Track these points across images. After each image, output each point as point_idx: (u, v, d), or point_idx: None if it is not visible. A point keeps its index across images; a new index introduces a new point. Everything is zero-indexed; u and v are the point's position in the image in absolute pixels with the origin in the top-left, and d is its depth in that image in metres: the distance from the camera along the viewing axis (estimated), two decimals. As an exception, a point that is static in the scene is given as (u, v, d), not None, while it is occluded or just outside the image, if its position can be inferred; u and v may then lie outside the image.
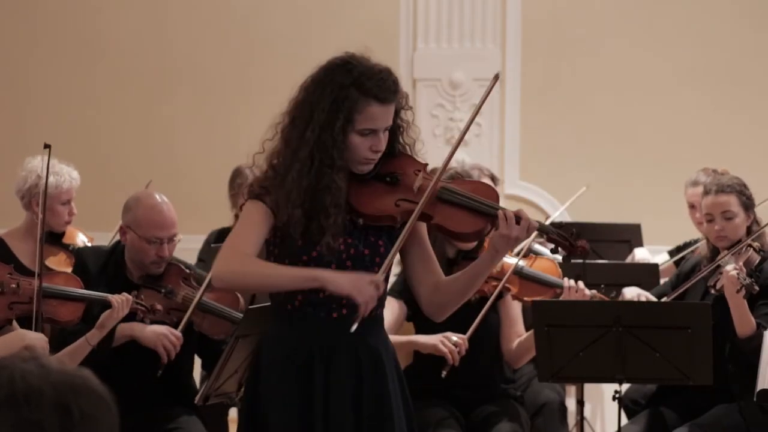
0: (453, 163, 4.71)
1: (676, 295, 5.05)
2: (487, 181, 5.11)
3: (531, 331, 4.90)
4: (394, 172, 3.35)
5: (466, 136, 7.45)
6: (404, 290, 4.72)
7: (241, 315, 4.61)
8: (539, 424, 5.21)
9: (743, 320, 4.65)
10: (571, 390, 6.33)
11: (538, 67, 7.59)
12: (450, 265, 4.80)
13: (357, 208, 3.30)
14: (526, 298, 4.99)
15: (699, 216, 5.45)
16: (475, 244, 4.84)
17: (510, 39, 7.61)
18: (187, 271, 4.69)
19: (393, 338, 3.66)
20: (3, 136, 7.76)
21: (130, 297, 4.43)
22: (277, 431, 3.32)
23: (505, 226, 3.25)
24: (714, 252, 5.10)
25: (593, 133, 7.59)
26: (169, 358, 4.49)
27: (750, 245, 4.84)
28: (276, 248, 3.33)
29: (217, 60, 7.75)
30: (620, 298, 5.25)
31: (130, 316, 4.46)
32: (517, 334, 5.08)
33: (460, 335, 4.77)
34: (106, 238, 5.44)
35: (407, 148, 3.41)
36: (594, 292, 5.03)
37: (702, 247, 5.31)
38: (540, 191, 7.58)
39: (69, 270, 4.78)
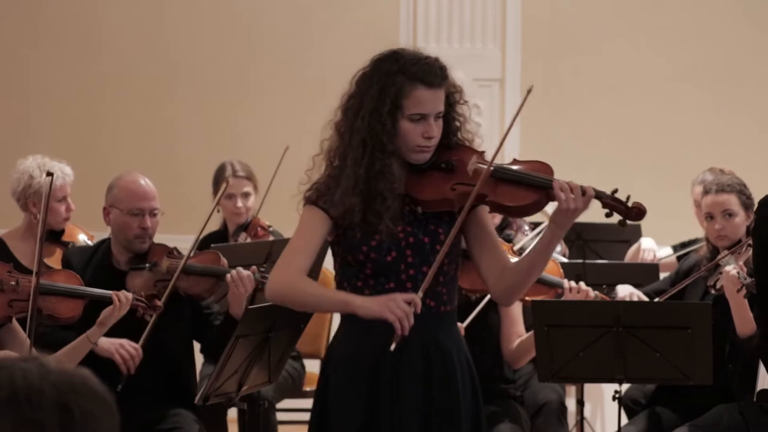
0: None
1: (673, 293, 5.05)
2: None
3: (531, 332, 4.90)
4: (449, 160, 3.37)
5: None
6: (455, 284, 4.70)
7: (223, 269, 4.66)
8: (539, 424, 5.21)
9: (744, 320, 4.65)
10: (571, 390, 6.32)
11: (538, 67, 7.59)
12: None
13: (415, 196, 3.33)
14: (527, 298, 4.98)
15: None
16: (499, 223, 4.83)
17: (510, 39, 7.61)
18: (171, 247, 4.74)
19: None
20: (3, 136, 7.75)
21: (129, 296, 4.44)
22: (341, 430, 3.33)
23: (562, 198, 3.26)
24: (714, 252, 5.10)
25: (593, 133, 7.59)
26: (129, 370, 4.47)
27: (750, 245, 4.83)
28: (339, 246, 3.36)
29: (217, 60, 7.74)
30: (612, 296, 5.24)
31: (131, 313, 4.46)
32: (518, 334, 5.07)
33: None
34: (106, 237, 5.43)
35: (466, 143, 3.43)
36: (596, 293, 5.03)
37: (702, 247, 5.31)
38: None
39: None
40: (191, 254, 4.66)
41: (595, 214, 7.02)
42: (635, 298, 5.32)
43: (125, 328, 4.48)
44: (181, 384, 4.73)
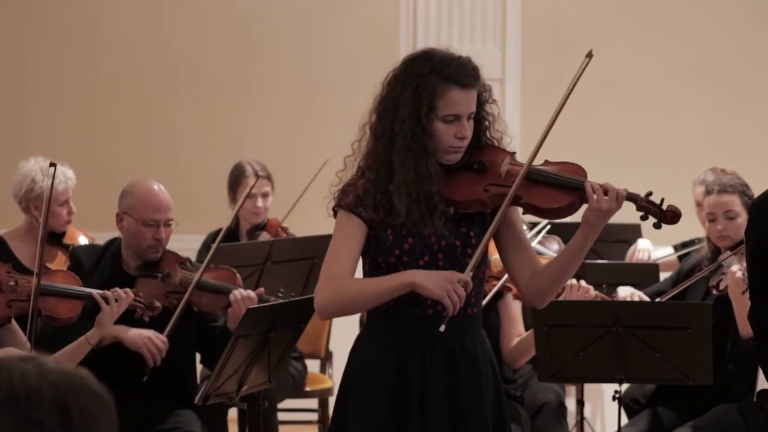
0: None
1: (674, 293, 5.04)
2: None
3: (530, 331, 4.90)
4: (481, 161, 3.36)
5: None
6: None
7: (238, 288, 4.64)
8: (539, 424, 5.21)
9: (747, 321, 4.64)
10: (571, 390, 6.32)
11: (538, 68, 7.59)
12: None
13: (447, 197, 3.31)
14: (528, 298, 4.98)
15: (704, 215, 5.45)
16: None
17: (510, 39, 7.61)
18: (183, 257, 4.72)
19: None
20: (3, 136, 7.75)
21: (130, 293, 4.43)
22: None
23: (594, 200, 3.25)
24: (715, 252, 5.10)
25: (593, 133, 7.59)
26: (155, 363, 4.48)
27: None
28: (369, 248, 3.33)
29: (217, 60, 7.74)
30: (613, 296, 5.24)
31: (129, 314, 4.46)
32: (517, 333, 5.07)
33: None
34: (107, 239, 5.43)
35: (495, 142, 3.42)
36: (597, 292, 5.03)
37: (703, 247, 5.30)
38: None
39: (66, 270, 4.79)
40: (206, 268, 4.62)
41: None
42: (636, 299, 5.32)
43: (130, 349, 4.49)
44: (182, 384, 4.73)
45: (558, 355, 4.62)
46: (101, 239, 5.44)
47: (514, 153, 3.42)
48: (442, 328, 3.18)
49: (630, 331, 4.54)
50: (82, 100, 7.78)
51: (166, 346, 4.49)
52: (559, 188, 3.34)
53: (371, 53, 7.39)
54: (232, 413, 5.40)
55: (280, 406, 5.93)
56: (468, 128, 3.31)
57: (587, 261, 5.64)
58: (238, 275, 4.74)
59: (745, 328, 4.66)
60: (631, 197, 3.35)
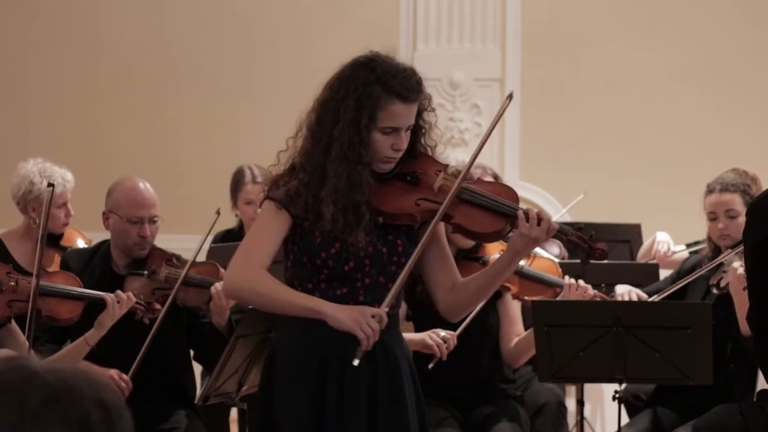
0: (453, 163, 4.71)
1: (673, 290, 5.04)
2: (489, 180, 5.11)
3: (529, 331, 4.90)
4: (414, 172, 3.36)
5: (466, 137, 7.54)
6: (403, 290, 4.71)
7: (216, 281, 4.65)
8: (539, 424, 5.21)
9: (748, 318, 4.64)
10: (571, 390, 6.32)
11: (538, 67, 7.59)
12: None
13: (377, 207, 3.31)
14: (526, 297, 4.99)
15: None
16: (474, 243, 4.83)
17: (510, 39, 7.61)
18: (170, 254, 4.72)
19: None
20: (3, 136, 7.75)
21: (132, 296, 4.44)
22: (289, 430, 3.31)
23: (525, 227, 3.25)
24: (715, 251, 5.10)
25: (593, 134, 7.59)
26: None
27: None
28: (295, 245, 3.34)
29: (217, 60, 7.74)
30: (612, 296, 5.23)
31: (130, 315, 4.47)
32: (516, 333, 5.07)
33: (449, 331, 4.73)
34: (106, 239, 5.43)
35: (428, 149, 3.42)
36: (595, 291, 5.03)
37: (704, 247, 5.30)
38: (540, 192, 7.57)
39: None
40: (191, 265, 4.62)
41: (595, 214, 7.02)
42: (634, 296, 5.31)
43: (124, 330, 4.48)
44: (181, 385, 4.73)
45: (558, 355, 4.62)
46: (98, 240, 5.44)
47: (447, 165, 3.42)
48: (356, 362, 3.18)
49: (630, 331, 4.54)
50: (81, 100, 7.78)
51: (128, 386, 4.39)
52: (490, 212, 3.33)
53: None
54: (232, 413, 5.40)
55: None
56: (405, 140, 3.30)
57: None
58: (221, 269, 4.74)
59: (746, 326, 4.66)
60: (562, 231, 3.36)
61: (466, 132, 7.55)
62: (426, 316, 4.75)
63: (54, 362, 1.63)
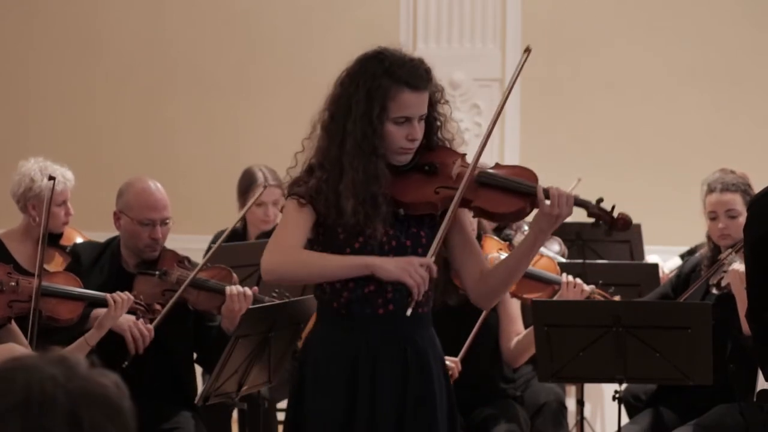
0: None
1: (682, 299, 5.03)
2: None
3: (529, 330, 4.90)
4: (432, 162, 3.37)
5: (466, 137, 7.54)
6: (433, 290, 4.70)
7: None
8: (539, 424, 5.21)
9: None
10: (571, 390, 6.32)
11: (538, 67, 7.58)
12: None
13: (397, 198, 3.32)
14: (524, 296, 4.98)
15: None
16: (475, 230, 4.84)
17: (510, 39, 7.61)
18: (182, 256, 4.72)
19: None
20: (3, 136, 7.75)
21: (131, 297, 4.44)
22: (319, 430, 3.32)
23: (547, 205, 3.26)
24: (715, 251, 5.10)
25: (593, 134, 7.59)
26: (137, 350, 4.46)
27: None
28: (319, 246, 3.35)
29: (217, 60, 7.74)
30: (610, 294, 5.21)
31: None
32: (516, 332, 5.07)
33: (452, 358, 4.64)
34: (105, 239, 5.43)
35: (446, 143, 3.43)
36: (593, 287, 5.03)
37: (704, 247, 5.30)
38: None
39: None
40: (202, 267, 4.62)
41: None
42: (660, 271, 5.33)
43: (115, 334, 4.48)
44: (183, 385, 4.73)
45: (558, 355, 4.61)
46: (100, 240, 5.44)
47: (464, 155, 3.43)
48: (409, 311, 3.20)
49: (630, 331, 4.54)
50: (81, 100, 7.78)
51: (151, 334, 4.46)
52: (509, 193, 3.34)
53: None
54: (234, 413, 5.41)
55: (280, 406, 5.93)
56: (419, 130, 3.32)
57: (587, 261, 5.65)
58: (234, 274, 4.73)
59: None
60: (583, 203, 3.37)
61: (466, 132, 7.54)
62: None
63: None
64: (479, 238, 4.96)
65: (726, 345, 4.83)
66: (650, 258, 6.27)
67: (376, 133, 3.28)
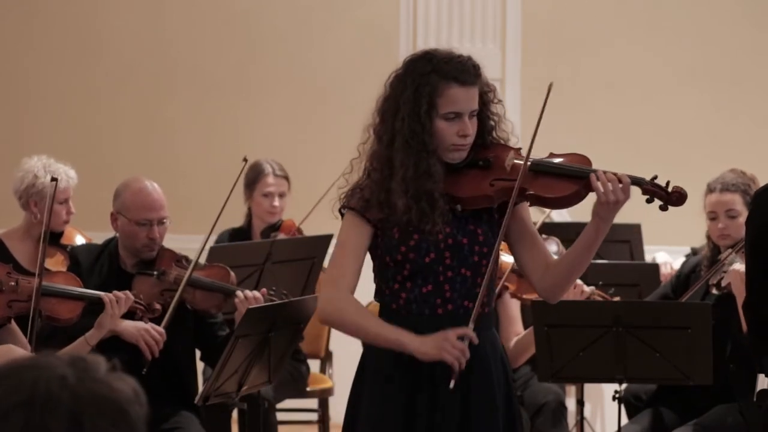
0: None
1: (689, 295, 5.03)
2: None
3: (528, 330, 4.90)
4: (486, 157, 3.37)
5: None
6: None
7: (231, 287, 4.63)
8: (539, 424, 5.21)
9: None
10: (571, 390, 6.32)
11: (538, 68, 7.58)
12: None
13: (453, 194, 3.31)
14: (525, 296, 4.98)
15: None
16: None
17: (510, 39, 7.61)
18: (180, 255, 4.71)
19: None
20: (3, 136, 7.75)
21: (130, 296, 4.44)
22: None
23: (602, 192, 3.25)
24: (715, 251, 5.10)
25: (593, 133, 7.59)
26: (153, 354, 4.47)
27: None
28: (378, 249, 3.34)
29: (217, 60, 7.74)
30: (610, 294, 5.21)
31: (129, 315, 4.47)
32: (516, 333, 5.07)
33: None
34: (104, 239, 5.43)
35: (501, 141, 3.43)
36: (592, 288, 5.03)
37: (703, 247, 5.30)
38: (540, 191, 7.57)
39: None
40: (196, 265, 4.61)
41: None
42: (669, 268, 5.30)
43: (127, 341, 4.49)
44: (183, 385, 4.73)
45: (558, 355, 4.62)
46: (100, 239, 5.44)
47: (519, 149, 3.43)
48: (452, 385, 3.18)
49: (630, 331, 4.54)
50: (81, 99, 7.78)
51: (163, 337, 4.48)
52: (564, 177, 3.34)
53: (371, 53, 7.38)
54: (234, 414, 5.41)
55: (280, 406, 5.93)
56: (470, 126, 3.30)
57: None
58: (231, 273, 4.73)
59: (748, 324, 4.66)
60: (637, 181, 3.36)
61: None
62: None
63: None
64: None
65: (726, 345, 4.83)
66: (659, 256, 6.26)
67: (426, 130, 3.26)
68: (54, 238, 5.32)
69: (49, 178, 4.93)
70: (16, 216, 5.38)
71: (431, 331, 3.24)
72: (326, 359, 6.50)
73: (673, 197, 3.37)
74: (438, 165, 3.29)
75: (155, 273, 4.61)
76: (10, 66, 7.84)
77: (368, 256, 3.39)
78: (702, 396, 4.87)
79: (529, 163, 3.33)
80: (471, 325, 3.21)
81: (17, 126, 7.78)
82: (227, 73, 7.73)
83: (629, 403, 5.29)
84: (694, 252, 6.11)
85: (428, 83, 3.27)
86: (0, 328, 4.29)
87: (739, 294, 4.67)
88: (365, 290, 3.49)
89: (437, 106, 3.27)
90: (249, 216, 6.20)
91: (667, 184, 3.38)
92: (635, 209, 7.19)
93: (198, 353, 4.89)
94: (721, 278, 4.79)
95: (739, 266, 4.66)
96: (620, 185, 3.28)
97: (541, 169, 3.35)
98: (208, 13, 7.76)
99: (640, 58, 7.57)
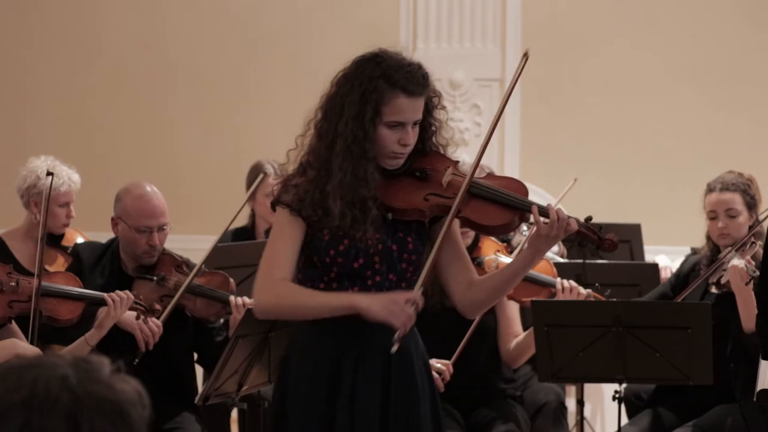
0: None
1: (680, 299, 5.04)
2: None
3: (528, 331, 4.90)
4: (424, 168, 3.34)
5: (466, 137, 7.54)
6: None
7: (229, 295, 4.63)
8: (539, 425, 5.20)
9: (750, 314, 4.63)
10: (571, 390, 6.32)
11: (538, 68, 7.58)
12: None
13: (386, 202, 3.29)
14: (522, 299, 4.98)
15: None
16: (469, 243, 4.83)
17: (510, 39, 7.61)
18: (180, 260, 4.70)
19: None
20: (3, 136, 7.75)
21: (130, 295, 4.43)
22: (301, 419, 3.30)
23: (545, 226, 3.23)
24: (714, 251, 5.10)
25: (593, 134, 7.59)
26: (147, 346, 4.47)
27: (755, 242, 4.82)
28: (306, 246, 3.31)
29: (217, 60, 7.75)
30: (607, 296, 5.21)
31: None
32: (514, 334, 5.07)
33: (443, 361, 4.62)
34: (104, 240, 5.43)
35: (440, 148, 3.39)
36: (589, 291, 5.03)
37: (702, 246, 5.30)
38: (540, 191, 7.57)
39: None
40: (197, 272, 4.60)
41: (595, 214, 6.99)
42: (669, 272, 5.31)
43: (123, 332, 4.48)
44: (183, 385, 4.73)
45: (558, 355, 4.62)
46: (100, 240, 5.45)
47: (457, 162, 3.39)
48: (394, 348, 3.16)
49: (630, 331, 4.54)
50: (81, 100, 7.78)
51: (160, 330, 4.47)
52: (499, 205, 3.31)
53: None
54: (232, 413, 5.40)
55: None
56: (412, 135, 3.27)
57: (587, 261, 5.64)
58: (231, 281, 4.72)
59: (748, 323, 4.66)
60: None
61: (466, 132, 7.55)
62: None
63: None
64: (477, 239, 4.96)
65: (726, 345, 4.83)
66: (659, 260, 6.26)
67: (368, 137, 3.23)
68: (55, 240, 5.31)
69: (50, 178, 4.93)
70: (16, 216, 5.38)
71: (354, 333, 3.24)
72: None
73: (605, 244, 3.33)
74: (374, 171, 3.26)
75: (155, 278, 4.61)
76: (10, 66, 7.85)
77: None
78: (702, 396, 4.88)
79: (469, 183, 3.28)
80: (419, 291, 3.20)
81: (17, 126, 7.79)
82: (227, 73, 7.74)
83: (630, 401, 5.29)
84: (694, 252, 6.11)
85: (375, 89, 3.24)
86: (0, 329, 4.30)
87: (738, 290, 4.68)
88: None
89: (382, 114, 3.24)
90: (252, 216, 6.20)
91: (600, 228, 3.35)
92: (635, 209, 7.22)
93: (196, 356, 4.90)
94: (721, 276, 4.79)
95: (739, 262, 4.66)
96: (564, 224, 3.24)
97: (479, 193, 3.31)
98: (207, 14, 7.76)
99: (640, 58, 7.58)
